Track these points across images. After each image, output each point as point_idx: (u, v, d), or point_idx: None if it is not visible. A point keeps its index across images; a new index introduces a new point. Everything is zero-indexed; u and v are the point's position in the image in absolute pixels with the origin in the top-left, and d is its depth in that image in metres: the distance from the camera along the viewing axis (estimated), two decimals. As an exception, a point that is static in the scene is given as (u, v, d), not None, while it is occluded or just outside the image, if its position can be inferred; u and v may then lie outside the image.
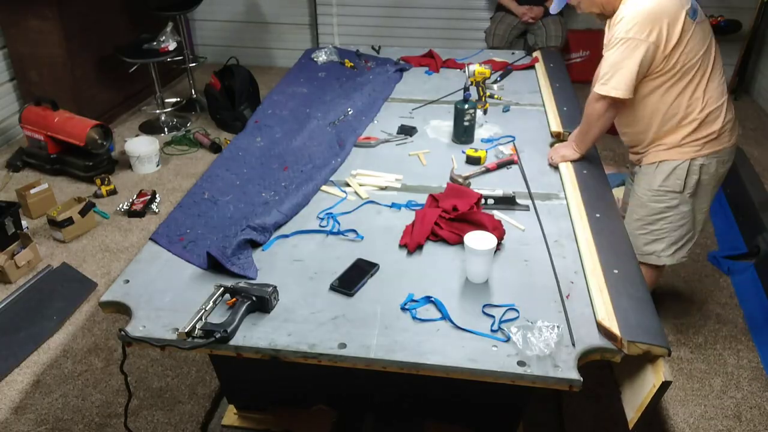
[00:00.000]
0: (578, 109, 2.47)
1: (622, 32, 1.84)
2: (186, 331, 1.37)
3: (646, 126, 2.01)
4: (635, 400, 1.40)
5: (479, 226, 1.67)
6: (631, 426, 1.40)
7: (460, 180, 1.99)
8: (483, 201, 1.87)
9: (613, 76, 1.89)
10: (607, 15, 1.97)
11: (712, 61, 1.92)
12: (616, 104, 1.95)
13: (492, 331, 1.40)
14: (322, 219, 1.84)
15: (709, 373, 2.36)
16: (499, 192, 1.90)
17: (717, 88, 1.94)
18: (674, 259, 2.15)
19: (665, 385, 1.32)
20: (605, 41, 1.97)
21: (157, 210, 3.39)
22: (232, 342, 1.37)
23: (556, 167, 2.12)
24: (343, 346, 1.36)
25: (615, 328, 1.36)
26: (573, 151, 2.12)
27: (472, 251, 1.52)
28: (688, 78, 1.89)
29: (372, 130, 2.42)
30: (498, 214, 1.81)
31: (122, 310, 1.50)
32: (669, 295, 2.74)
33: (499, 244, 1.66)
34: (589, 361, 1.36)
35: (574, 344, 1.36)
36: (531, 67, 3.06)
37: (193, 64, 4.87)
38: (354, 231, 1.77)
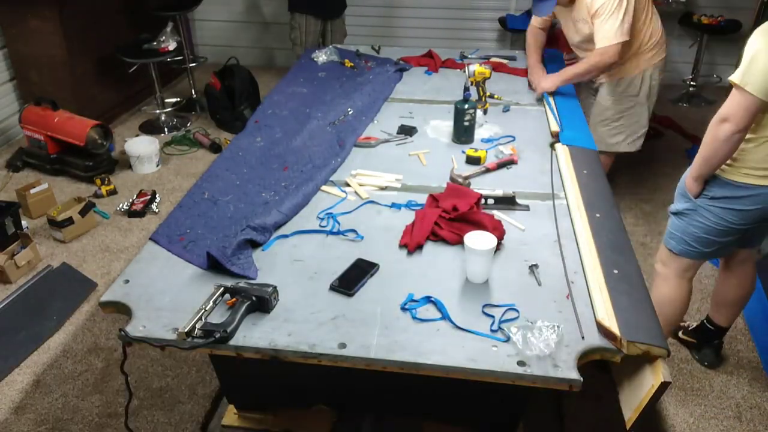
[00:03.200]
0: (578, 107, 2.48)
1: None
2: (186, 331, 1.37)
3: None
4: (633, 401, 1.40)
5: (479, 226, 1.67)
6: (628, 426, 1.40)
7: (460, 180, 1.99)
8: (483, 201, 1.87)
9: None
10: None
11: (649, 3, 2.73)
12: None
13: (492, 331, 1.40)
14: (322, 219, 1.84)
15: (709, 373, 2.36)
16: (499, 192, 1.90)
17: (656, 23, 2.76)
18: (633, 147, 2.98)
19: (664, 386, 1.32)
20: (579, 16, 2.65)
21: (157, 210, 3.39)
22: (232, 342, 1.37)
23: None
24: (343, 346, 1.36)
25: (615, 328, 1.36)
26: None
27: (472, 251, 1.52)
28: (641, 19, 2.68)
29: (372, 130, 2.42)
30: (498, 214, 1.81)
31: (122, 310, 1.50)
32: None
33: (499, 244, 1.66)
34: (588, 361, 1.37)
35: (583, 337, 1.37)
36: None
37: (193, 64, 4.87)
38: (354, 231, 1.77)
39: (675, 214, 2.08)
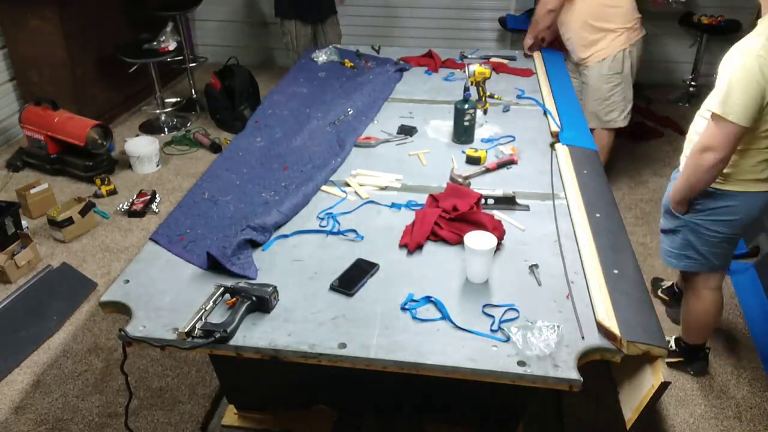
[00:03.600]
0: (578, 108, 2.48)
1: None
2: (186, 331, 1.37)
3: (590, 40, 3.04)
4: (633, 401, 1.40)
5: (479, 226, 1.67)
6: (628, 426, 1.40)
7: (460, 180, 1.99)
8: (483, 201, 1.87)
9: None
10: None
11: None
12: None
13: (492, 331, 1.40)
14: (322, 219, 1.84)
15: (709, 373, 2.36)
16: (499, 192, 1.90)
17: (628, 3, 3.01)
18: (626, 122, 3.22)
19: (664, 386, 1.32)
20: None
21: (157, 210, 3.39)
22: (232, 342, 1.37)
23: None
24: (343, 346, 1.36)
25: (615, 328, 1.36)
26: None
27: (472, 251, 1.52)
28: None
29: (372, 130, 2.42)
30: (498, 214, 1.81)
31: (122, 310, 1.50)
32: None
33: (499, 244, 1.66)
34: (588, 361, 1.37)
35: (583, 337, 1.37)
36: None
37: (193, 64, 4.87)
38: (354, 231, 1.77)
39: (665, 232, 2.07)
